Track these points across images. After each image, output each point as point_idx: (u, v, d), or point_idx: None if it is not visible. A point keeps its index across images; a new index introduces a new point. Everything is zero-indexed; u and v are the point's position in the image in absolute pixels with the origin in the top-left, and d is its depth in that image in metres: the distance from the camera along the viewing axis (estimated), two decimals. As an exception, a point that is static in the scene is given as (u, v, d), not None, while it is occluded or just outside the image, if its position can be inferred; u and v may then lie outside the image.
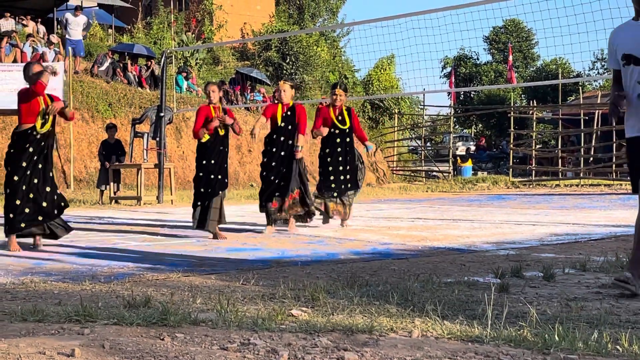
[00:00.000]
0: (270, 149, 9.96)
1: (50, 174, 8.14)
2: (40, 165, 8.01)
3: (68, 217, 12.26)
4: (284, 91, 10.04)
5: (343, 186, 10.53)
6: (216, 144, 9.35)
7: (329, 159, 10.58)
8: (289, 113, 9.97)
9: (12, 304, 4.60)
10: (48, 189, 8.04)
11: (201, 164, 9.37)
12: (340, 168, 10.52)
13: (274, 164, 9.90)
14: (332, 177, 10.52)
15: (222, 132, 9.39)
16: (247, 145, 25.60)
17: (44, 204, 7.99)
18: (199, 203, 9.31)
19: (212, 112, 9.37)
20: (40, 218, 8.02)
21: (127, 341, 3.59)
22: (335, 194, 10.51)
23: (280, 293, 5.02)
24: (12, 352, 3.34)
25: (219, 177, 9.31)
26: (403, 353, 3.45)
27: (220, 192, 9.33)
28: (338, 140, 10.52)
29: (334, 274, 6.10)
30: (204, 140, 9.36)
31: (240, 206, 15.83)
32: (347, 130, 10.56)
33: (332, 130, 10.52)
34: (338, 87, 10.68)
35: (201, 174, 9.34)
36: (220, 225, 9.35)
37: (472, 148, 38.97)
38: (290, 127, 9.97)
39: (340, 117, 10.50)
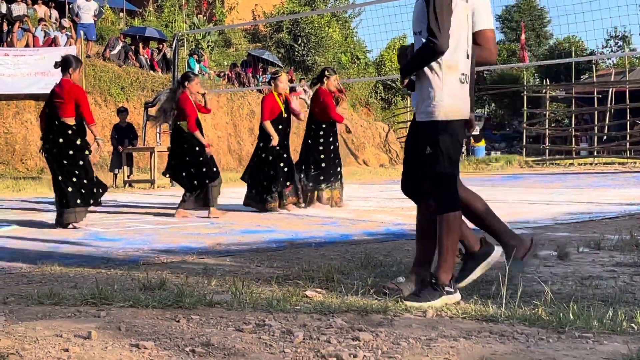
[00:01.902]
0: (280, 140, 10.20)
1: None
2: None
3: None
4: (284, 82, 10.25)
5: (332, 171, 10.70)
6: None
7: (331, 147, 10.67)
8: (285, 103, 10.26)
9: (28, 288, 4.63)
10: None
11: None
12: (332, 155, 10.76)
13: (285, 155, 10.19)
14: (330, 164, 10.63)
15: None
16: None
17: None
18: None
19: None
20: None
21: (143, 323, 3.61)
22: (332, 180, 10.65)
23: (295, 274, 5.03)
24: (29, 335, 3.37)
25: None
26: (418, 333, 3.46)
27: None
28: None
29: (347, 255, 6.11)
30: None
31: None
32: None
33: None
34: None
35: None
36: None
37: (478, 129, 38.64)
38: (288, 116, 10.34)
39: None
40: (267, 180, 10.20)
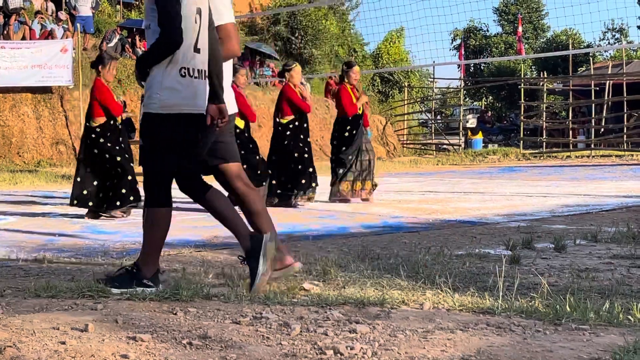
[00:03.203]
0: (303, 135, 10.02)
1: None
2: None
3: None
4: (299, 73, 10.03)
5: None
6: None
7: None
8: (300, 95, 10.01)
9: (25, 281, 4.63)
10: None
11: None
12: None
13: (306, 155, 9.99)
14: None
15: None
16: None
17: None
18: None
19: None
20: None
21: (140, 316, 3.61)
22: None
23: (292, 267, 5.03)
24: (26, 327, 3.37)
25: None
26: (415, 325, 3.46)
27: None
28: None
29: (345, 248, 6.11)
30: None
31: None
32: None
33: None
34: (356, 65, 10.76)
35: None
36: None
37: (473, 122, 38.47)
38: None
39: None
40: (290, 178, 9.94)
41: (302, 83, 10.32)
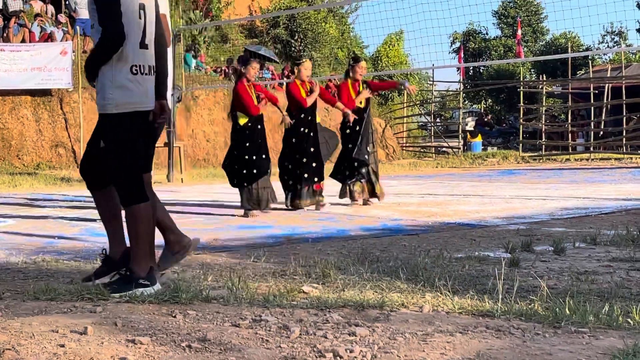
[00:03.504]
0: (305, 130, 9.90)
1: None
2: None
3: (78, 196, 12.31)
4: (308, 69, 9.98)
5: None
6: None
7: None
8: (310, 91, 9.91)
9: (24, 283, 4.62)
10: None
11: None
12: None
13: (312, 149, 9.88)
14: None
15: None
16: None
17: None
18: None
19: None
20: None
21: (139, 319, 3.61)
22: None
23: (291, 270, 5.03)
24: (25, 330, 3.37)
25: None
26: (414, 328, 3.46)
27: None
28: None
29: (344, 251, 6.11)
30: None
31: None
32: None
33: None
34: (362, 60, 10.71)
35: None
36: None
37: (472, 125, 38.43)
38: (313, 105, 9.97)
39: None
40: (293, 175, 9.89)
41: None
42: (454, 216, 8.88)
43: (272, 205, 9.42)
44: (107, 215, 4.61)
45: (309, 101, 9.77)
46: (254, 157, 9.07)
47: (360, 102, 10.28)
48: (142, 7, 4.36)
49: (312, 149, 9.74)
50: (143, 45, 4.35)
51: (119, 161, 4.31)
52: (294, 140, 9.79)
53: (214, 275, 4.83)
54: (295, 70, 10.16)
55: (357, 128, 10.20)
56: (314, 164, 9.74)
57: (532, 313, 3.66)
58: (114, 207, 4.59)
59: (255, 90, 9.27)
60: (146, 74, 4.35)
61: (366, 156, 10.18)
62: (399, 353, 3.08)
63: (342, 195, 10.37)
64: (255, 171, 9.07)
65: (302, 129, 9.75)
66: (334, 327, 3.49)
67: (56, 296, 4.12)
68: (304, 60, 10.23)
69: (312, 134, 9.79)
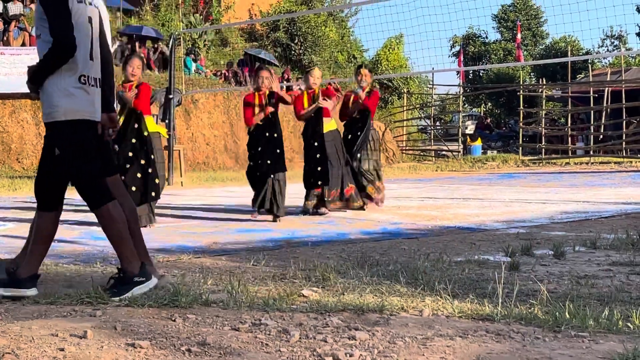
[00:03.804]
0: (310, 141, 9.75)
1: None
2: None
3: (78, 199, 12.31)
4: (319, 78, 9.90)
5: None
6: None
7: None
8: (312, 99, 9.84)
9: (24, 287, 4.61)
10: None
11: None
12: None
13: (317, 154, 9.71)
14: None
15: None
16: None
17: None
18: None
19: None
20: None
21: (139, 322, 3.61)
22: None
23: (291, 273, 5.03)
24: (25, 334, 3.37)
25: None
26: (414, 332, 3.46)
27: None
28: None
29: (344, 254, 6.10)
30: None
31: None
32: None
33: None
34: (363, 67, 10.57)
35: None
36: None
37: (472, 128, 38.39)
38: (317, 114, 9.77)
39: None
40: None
41: (300, 89, 10.17)
42: (454, 220, 8.88)
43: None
44: (45, 236, 4.54)
45: (303, 113, 9.72)
46: (251, 164, 9.06)
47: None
48: (89, 20, 4.44)
49: (317, 155, 9.69)
50: (91, 57, 4.42)
51: (76, 166, 4.34)
52: (304, 147, 9.80)
53: (213, 279, 4.83)
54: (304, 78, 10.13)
55: (358, 134, 10.16)
56: (318, 169, 9.70)
57: (532, 317, 3.65)
58: (54, 231, 4.57)
59: (274, 96, 9.09)
60: (93, 85, 4.42)
61: (359, 155, 10.13)
62: (399, 357, 3.07)
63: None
64: (249, 177, 9.07)
65: (309, 140, 9.72)
66: (334, 331, 3.48)
67: (56, 300, 4.12)
68: (312, 68, 10.18)
69: (315, 143, 9.69)
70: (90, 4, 4.48)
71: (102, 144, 4.59)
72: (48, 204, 4.45)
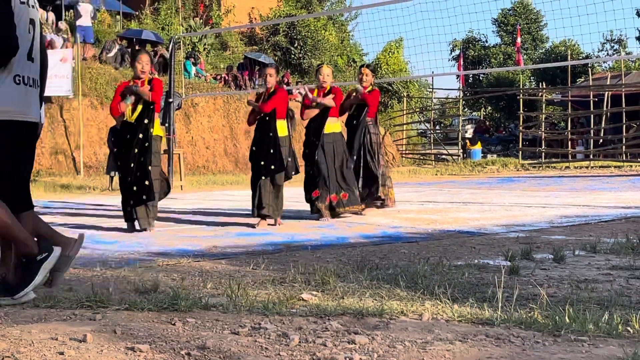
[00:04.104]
0: (312, 138, 9.74)
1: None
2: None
3: (78, 203, 12.32)
4: (328, 75, 9.88)
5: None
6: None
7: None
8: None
9: (24, 290, 4.61)
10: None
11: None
12: None
13: (315, 157, 9.70)
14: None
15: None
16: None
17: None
18: None
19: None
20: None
21: (139, 326, 3.61)
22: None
23: (291, 277, 5.03)
24: (25, 337, 3.36)
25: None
26: (414, 336, 3.46)
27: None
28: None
29: (344, 258, 6.10)
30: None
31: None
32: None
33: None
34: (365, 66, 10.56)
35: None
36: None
37: (472, 132, 38.34)
38: (321, 114, 9.72)
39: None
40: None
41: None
42: (454, 224, 8.87)
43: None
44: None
45: (306, 112, 9.72)
46: (251, 164, 9.09)
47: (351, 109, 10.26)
48: (32, 22, 4.46)
49: (314, 157, 9.66)
50: (29, 57, 4.43)
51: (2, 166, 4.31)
52: (307, 150, 9.78)
53: (213, 283, 4.83)
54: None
55: (355, 134, 10.17)
56: (323, 173, 9.67)
57: (532, 321, 3.65)
58: (11, 216, 4.52)
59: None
60: (30, 86, 4.43)
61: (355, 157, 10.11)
62: (399, 361, 3.07)
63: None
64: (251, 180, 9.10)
65: (311, 138, 9.69)
66: (333, 335, 3.48)
67: (55, 304, 4.12)
68: (320, 66, 10.15)
69: (317, 142, 9.65)
70: (33, 6, 4.50)
71: (30, 146, 4.53)
72: None
